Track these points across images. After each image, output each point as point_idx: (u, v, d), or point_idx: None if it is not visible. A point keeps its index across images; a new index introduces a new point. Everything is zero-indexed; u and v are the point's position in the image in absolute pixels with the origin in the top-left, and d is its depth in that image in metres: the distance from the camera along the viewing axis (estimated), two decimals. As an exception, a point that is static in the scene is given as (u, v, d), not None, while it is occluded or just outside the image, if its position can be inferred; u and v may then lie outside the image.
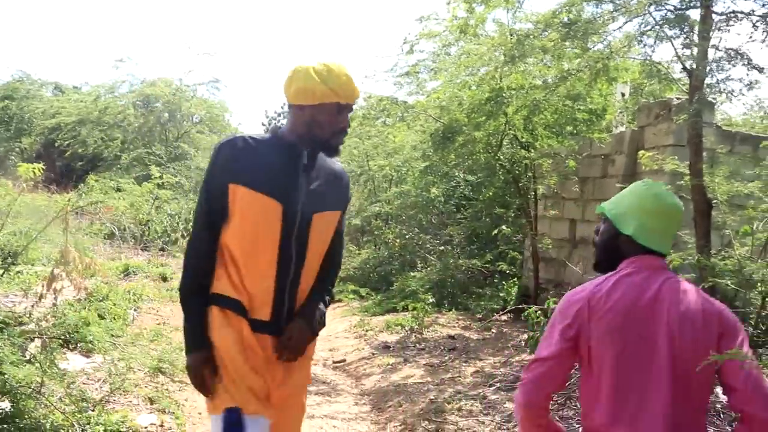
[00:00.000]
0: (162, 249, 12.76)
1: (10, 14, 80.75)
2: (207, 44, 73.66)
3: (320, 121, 2.53)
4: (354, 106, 2.64)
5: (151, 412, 5.25)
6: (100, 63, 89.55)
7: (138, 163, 18.44)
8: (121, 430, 4.68)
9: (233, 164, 2.49)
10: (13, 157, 21.83)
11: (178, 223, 13.96)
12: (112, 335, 6.11)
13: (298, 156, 2.59)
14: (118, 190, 14.52)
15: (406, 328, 9.01)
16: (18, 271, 6.30)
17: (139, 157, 18.43)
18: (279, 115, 62.60)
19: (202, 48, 52.51)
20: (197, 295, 2.55)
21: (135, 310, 7.82)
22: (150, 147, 19.55)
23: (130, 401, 5.32)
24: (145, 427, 4.95)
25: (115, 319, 6.89)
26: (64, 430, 4.45)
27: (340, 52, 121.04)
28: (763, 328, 6.02)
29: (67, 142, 20.64)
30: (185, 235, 14.07)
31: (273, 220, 2.50)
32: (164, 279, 10.19)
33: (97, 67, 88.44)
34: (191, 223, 2.60)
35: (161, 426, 5.04)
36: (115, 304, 7.28)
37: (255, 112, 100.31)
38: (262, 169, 2.52)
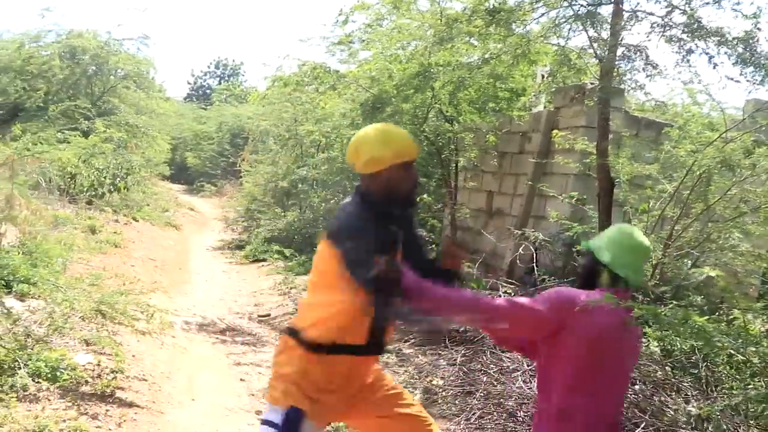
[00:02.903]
0: (89, 202, 12.82)
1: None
2: (136, -1, 71.55)
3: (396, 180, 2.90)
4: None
5: (87, 353, 5.56)
6: (23, 11, 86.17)
7: (63, 116, 18.14)
8: (61, 366, 4.99)
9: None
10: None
11: (105, 178, 13.97)
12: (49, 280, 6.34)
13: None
14: (65, 141, 14.42)
15: (328, 288, 9.39)
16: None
17: (66, 110, 18.11)
18: (205, 74, 61.90)
19: (132, 2, 50.90)
20: None
21: (65, 259, 8.00)
22: (75, 100, 19.22)
23: (67, 342, 5.61)
24: (83, 366, 5.27)
25: (48, 266, 7.09)
26: (6, 364, 4.75)
27: (273, 14, 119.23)
28: (652, 297, 6.67)
29: (-14, 91, 20.02)
30: (112, 189, 14.11)
31: None
32: (93, 231, 10.33)
33: (20, 15, 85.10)
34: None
35: (98, 365, 5.36)
36: (47, 253, 7.46)
37: (180, 69, 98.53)
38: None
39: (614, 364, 2.65)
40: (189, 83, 62.63)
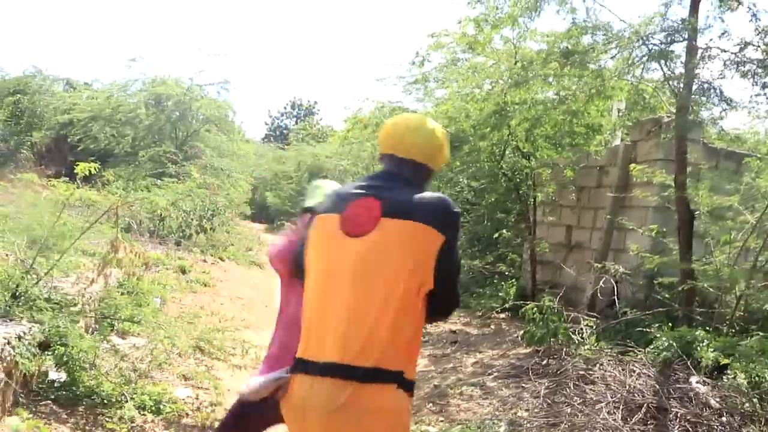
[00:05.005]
0: (177, 243, 13.34)
1: (23, 10, 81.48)
2: (215, 45, 74.39)
3: None
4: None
5: (186, 387, 5.88)
6: (111, 60, 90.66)
7: (150, 161, 18.90)
8: (163, 400, 5.31)
9: None
10: (24, 151, 22.32)
11: (192, 219, 14.52)
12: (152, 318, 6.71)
13: None
14: (159, 186, 15.08)
15: (412, 323, 9.54)
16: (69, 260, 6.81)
17: (153, 155, 18.88)
18: (282, 115, 63.45)
19: (212, 49, 52.82)
20: None
21: (160, 298, 8.40)
22: (160, 145, 20.00)
23: (167, 377, 5.94)
24: (183, 399, 5.58)
25: (146, 305, 7.48)
26: (114, 398, 5.08)
27: (346, 56, 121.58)
28: (737, 329, 6.64)
29: (78, 138, 20.96)
30: (199, 231, 14.62)
31: None
32: (183, 271, 10.77)
33: (108, 65, 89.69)
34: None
35: (196, 399, 5.67)
36: (144, 293, 7.85)
37: (258, 110, 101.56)
38: None
39: None
40: (266, 124, 64.49)
